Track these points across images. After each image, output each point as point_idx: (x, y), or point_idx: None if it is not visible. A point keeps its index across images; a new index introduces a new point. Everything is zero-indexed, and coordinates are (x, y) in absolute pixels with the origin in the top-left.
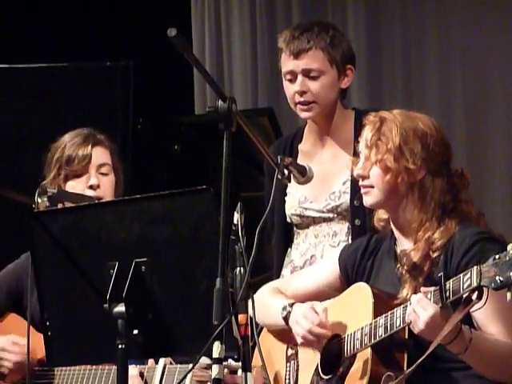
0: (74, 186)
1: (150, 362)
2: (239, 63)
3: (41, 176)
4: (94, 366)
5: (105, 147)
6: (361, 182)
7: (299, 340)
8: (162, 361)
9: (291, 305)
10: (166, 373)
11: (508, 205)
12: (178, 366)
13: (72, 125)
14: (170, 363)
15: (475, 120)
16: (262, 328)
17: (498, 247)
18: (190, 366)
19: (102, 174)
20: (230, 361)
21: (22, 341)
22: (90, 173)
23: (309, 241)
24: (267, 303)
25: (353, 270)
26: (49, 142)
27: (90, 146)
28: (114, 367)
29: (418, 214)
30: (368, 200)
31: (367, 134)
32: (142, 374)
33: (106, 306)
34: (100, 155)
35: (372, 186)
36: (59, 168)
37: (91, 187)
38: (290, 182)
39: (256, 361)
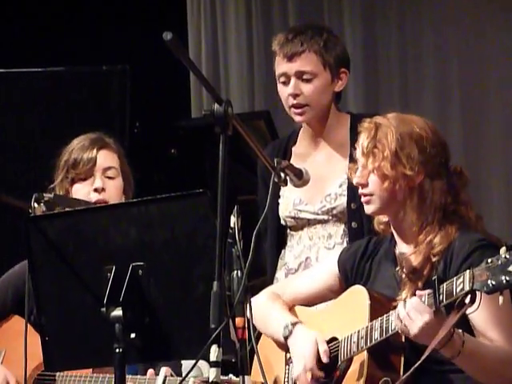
0: (80, 189)
1: (150, 373)
2: (235, 67)
3: (44, 179)
4: (95, 374)
5: (112, 150)
6: (360, 191)
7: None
8: (162, 372)
9: (294, 324)
10: None
11: (505, 205)
12: (178, 378)
13: (69, 129)
14: (171, 375)
15: (472, 123)
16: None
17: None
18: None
19: (108, 177)
20: (230, 376)
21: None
22: (95, 176)
23: (303, 243)
24: (267, 314)
25: (352, 272)
26: (45, 146)
27: (95, 150)
28: None
29: (418, 218)
30: (369, 208)
31: (363, 141)
32: None
33: (103, 310)
34: (106, 158)
35: (371, 194)
36: (66, 171)
37: (96, 190)
38: (286, 185)
39: (255, 370)
